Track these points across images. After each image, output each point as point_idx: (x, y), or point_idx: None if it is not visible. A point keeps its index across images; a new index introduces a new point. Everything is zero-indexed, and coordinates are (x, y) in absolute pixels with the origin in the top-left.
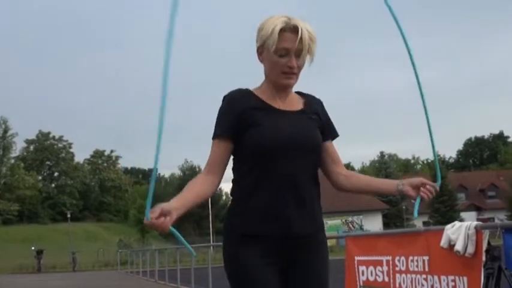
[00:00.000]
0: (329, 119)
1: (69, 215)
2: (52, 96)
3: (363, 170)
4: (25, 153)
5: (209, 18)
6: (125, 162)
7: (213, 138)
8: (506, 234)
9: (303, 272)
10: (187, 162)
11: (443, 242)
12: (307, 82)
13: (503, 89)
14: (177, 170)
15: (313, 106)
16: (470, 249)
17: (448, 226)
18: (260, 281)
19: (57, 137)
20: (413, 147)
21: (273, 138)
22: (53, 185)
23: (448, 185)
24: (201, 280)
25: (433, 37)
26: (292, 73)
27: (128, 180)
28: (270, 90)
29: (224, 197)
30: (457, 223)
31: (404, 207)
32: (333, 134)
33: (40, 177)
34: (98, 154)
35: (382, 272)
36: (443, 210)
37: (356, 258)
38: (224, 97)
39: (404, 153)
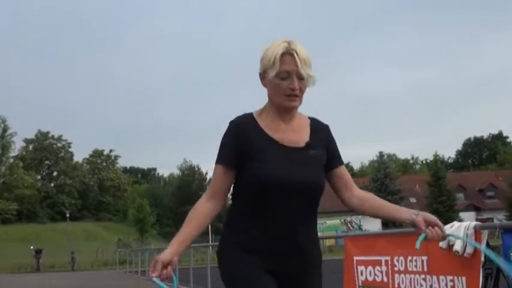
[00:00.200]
0: (336, 147)
1: (68, 215)
2: (51, 96)
3: (362, 170)
4: (24, 153)
5: (209, 18)
6: (124, 162)
7: (217, 162)
8: (505, 234)
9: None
10: (186, 162)
11: (442, 242)
12: None
13: (503, 89)
14: (176, 169)
15: (319, 135)
16: (469, 250)
17: (447, 226)
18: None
19: (56, 136)
20: (412, 147)
21: (271, 177)
22: (52, 185)
23: (446, 185)
24: (199, 280)
25: (433, 37)
26: (295, 95)
27: (127, 179)
28: (274, 113)
29: None
30: (456, 223)
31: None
32: (338, 161)
33: (39, 177)
34: (97, 153)
35: (381, 272)
36: (442, 210)
37: (355, 258)
38: (230, 123)
39: (403, 153)
